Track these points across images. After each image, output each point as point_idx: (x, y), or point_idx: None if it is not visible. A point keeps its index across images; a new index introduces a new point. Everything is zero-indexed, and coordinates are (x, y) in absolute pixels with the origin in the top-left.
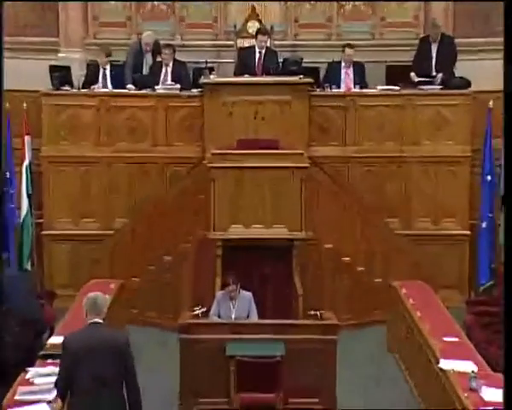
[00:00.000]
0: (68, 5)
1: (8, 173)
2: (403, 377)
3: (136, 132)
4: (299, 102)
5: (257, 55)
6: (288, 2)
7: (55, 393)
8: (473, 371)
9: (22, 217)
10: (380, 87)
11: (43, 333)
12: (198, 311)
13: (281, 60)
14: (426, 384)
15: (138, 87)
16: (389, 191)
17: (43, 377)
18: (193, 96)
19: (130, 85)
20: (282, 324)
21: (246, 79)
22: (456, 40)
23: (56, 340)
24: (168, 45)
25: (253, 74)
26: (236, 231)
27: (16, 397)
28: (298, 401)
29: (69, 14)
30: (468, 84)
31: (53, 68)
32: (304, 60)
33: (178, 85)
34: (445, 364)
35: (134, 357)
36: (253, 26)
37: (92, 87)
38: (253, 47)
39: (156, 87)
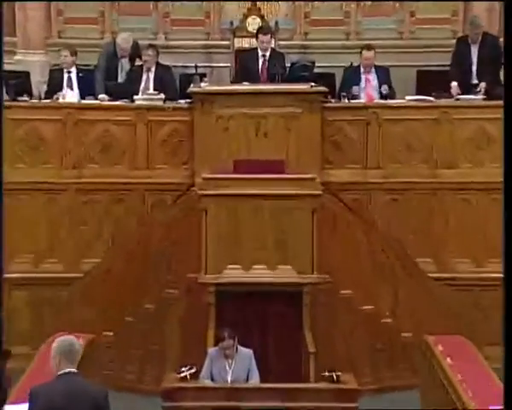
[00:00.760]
0: None
1: None
2: None
3: (110, 153)
4: (311, 115)
5: (259, 58)
6: None
7: None
8: None
9: None
10: (409, 97)
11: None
12: (186, 372)
13: (288, 64)
14: None
15: (113, 97)
16: (420, 225)
17: None
18: (180, 108)
19: (102, 95)
20: (289, 388)
21: (245, 87)
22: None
23: None
24: (150, 46)
25: (254, 82)
26: (233, 274)
27: None
28: None
29: (28, 8)
30: None
31: (8, 75)
32: (316, 64)
33: (162, 95)
34: None
35: None
36: (253, 23)
37: (56, 97)
38: (254, 49)
39: (135, 97)
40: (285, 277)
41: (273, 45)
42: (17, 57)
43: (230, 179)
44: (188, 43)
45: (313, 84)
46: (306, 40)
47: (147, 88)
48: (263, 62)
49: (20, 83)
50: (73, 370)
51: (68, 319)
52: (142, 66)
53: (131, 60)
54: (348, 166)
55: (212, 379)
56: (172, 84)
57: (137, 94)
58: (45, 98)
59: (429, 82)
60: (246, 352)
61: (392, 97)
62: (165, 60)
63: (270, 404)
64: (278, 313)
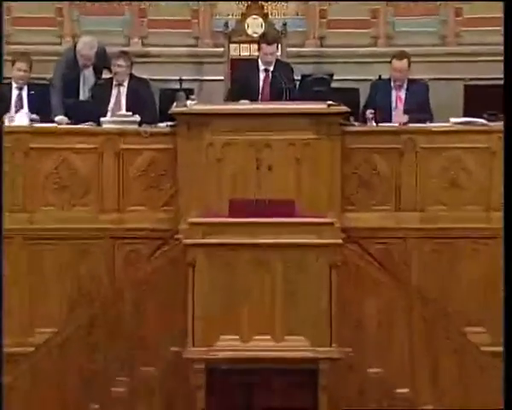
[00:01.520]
0: None
1: None
2: None
3: (69, 190)
4: (328, 142)
5: (261, 70)
6: None
7: None
8: None
9: None
10: (454, 119)
11: None
12: None
13: (298, 77)
14: None
15: (73, 119)
16: (470, 284)
17: None
18: (160, 133)
19: (60, 117)
20: None
21: (244, 106)
22: None
23: None
24: (121, 54)
25: (255, 100)
26: (228, 347)
27: None
28: None
29: None
30: None
31: None
32: (334, 77)
33: (137, 117)
34: None
35: None
36: (254, 25)
37: (2, 119)
38: (256, 58)
39: (102, 119)
40: (295, 350)
41: (279, 54)
42: None
43: (225, 224)
44: (170, 50)
45: (331, 102)
46: (322, 46)
47: (117, 108)
48: (266, 75)
49: None
50: None
51: (14, 405)
52: (111, 79)
53: (97, 71)
54: (376, 208)
55: None
56: (150, 103)
57: (105, 115)
58: None
59: (480, 100)
60: None
61: (432, 120)
62: (140, 72)
63: None
64: (286, 397)
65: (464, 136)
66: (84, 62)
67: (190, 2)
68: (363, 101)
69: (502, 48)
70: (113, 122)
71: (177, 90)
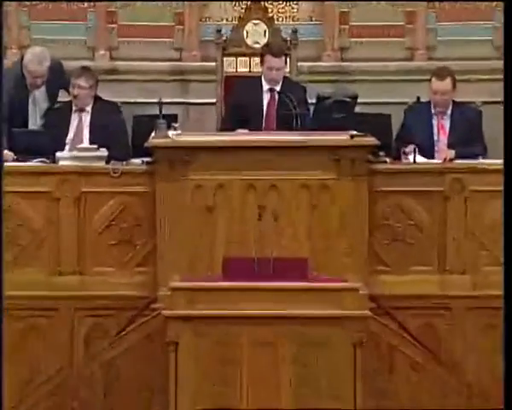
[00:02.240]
0: None
1: None
2: None
3: (17, 247)
4: (351, 184)
5: (264, 91)
6: None
7: None
8: None
9: None
10: None
11: None
12: None
13: (312, 100)
14: None
15: (20, 155)
16: None
17: None
18: (134, 172)
19: (4, 151)
20: None
21: (242, 138)
22: None
23: None
24: (83, 71)
25: (257, 129)
26: None
27: None
28: None
29: None
30: None
31: None
32: (359, 99)
33: (104, 151)
34: None
35: None
36: (255, 33)
37: None
38: (258, 75)
39: (58, 155)
40: None
41: (288, 69)
42: None
43: (218, 290)
44: (146, 64)
45: (354, 132)
46: (343, 60)
47: (78, 139)
48: (271, 97)
49: None
50: None
51: None
52: (69, 103)
53: (51, 93)
54: (414, 269)
55: None
56: (121, 133)
57: (62, 149)
58: None
59: None
60: None
61: (485, 155)
62: (108, 93)
63: None
64: None
65: None
66: (32, 81)
67: (173, 3)
68: (395, 130)
69: None
70: (73, 158)
71: (156, 116)
